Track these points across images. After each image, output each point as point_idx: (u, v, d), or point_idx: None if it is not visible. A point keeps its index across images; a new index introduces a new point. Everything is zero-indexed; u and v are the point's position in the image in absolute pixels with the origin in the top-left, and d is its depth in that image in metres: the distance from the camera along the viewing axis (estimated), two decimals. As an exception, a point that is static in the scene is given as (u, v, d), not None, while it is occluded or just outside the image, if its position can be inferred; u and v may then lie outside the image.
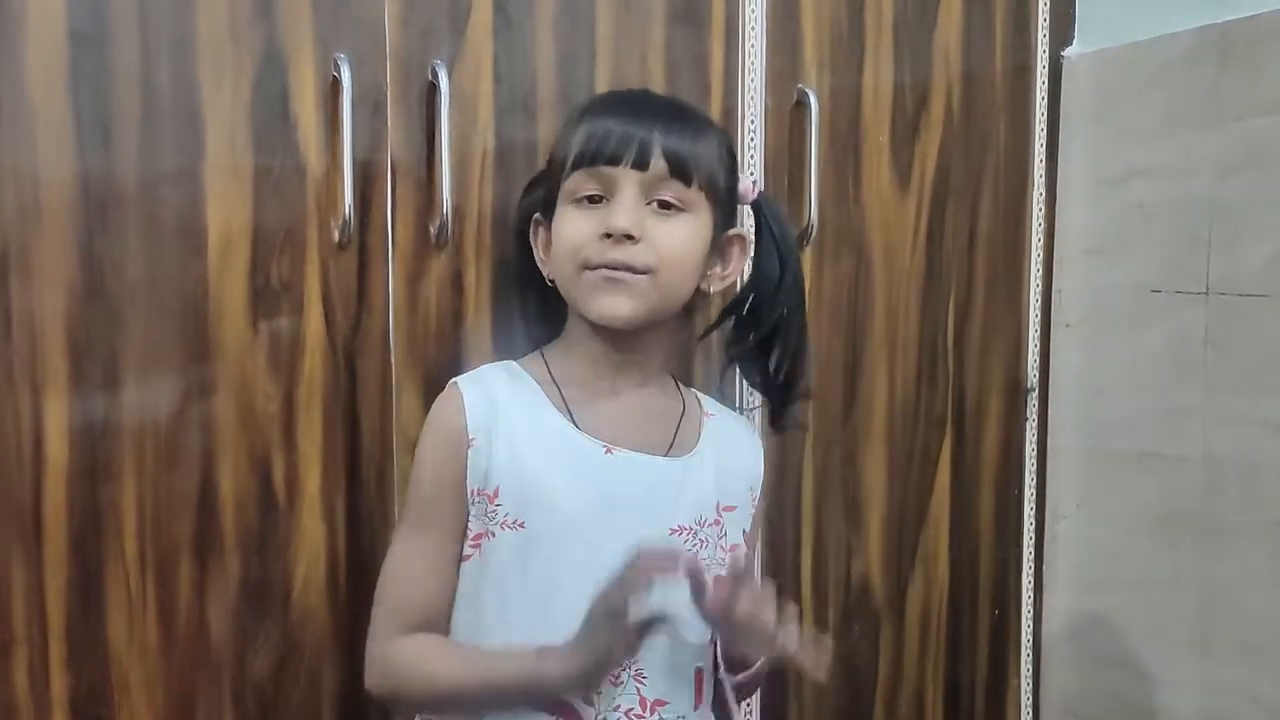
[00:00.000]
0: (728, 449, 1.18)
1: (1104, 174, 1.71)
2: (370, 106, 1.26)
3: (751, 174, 1.50)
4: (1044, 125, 1.74)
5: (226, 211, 1.20)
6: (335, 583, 1.28)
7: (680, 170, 1.08)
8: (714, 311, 1.29)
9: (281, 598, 1.25)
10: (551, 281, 1.15)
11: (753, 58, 1.49)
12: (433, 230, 1.29)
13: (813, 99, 1.51)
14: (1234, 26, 1.53)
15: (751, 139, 1.50)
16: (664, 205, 1.09)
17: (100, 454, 1.15)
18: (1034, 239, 1.76)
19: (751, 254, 1.21)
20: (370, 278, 1.28)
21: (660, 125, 1.09)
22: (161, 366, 1.18)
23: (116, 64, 1.14)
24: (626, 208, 1.07)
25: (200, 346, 1.19)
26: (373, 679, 1.14)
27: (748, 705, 1.56)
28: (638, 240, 1.07)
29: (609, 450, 1.11)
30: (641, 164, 1.07)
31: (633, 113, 1.11)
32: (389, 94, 1.27)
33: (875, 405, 1.64)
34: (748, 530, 1.18)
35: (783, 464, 1.56)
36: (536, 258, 1.17)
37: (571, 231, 1.10)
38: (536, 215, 1.17)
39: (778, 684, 1.59)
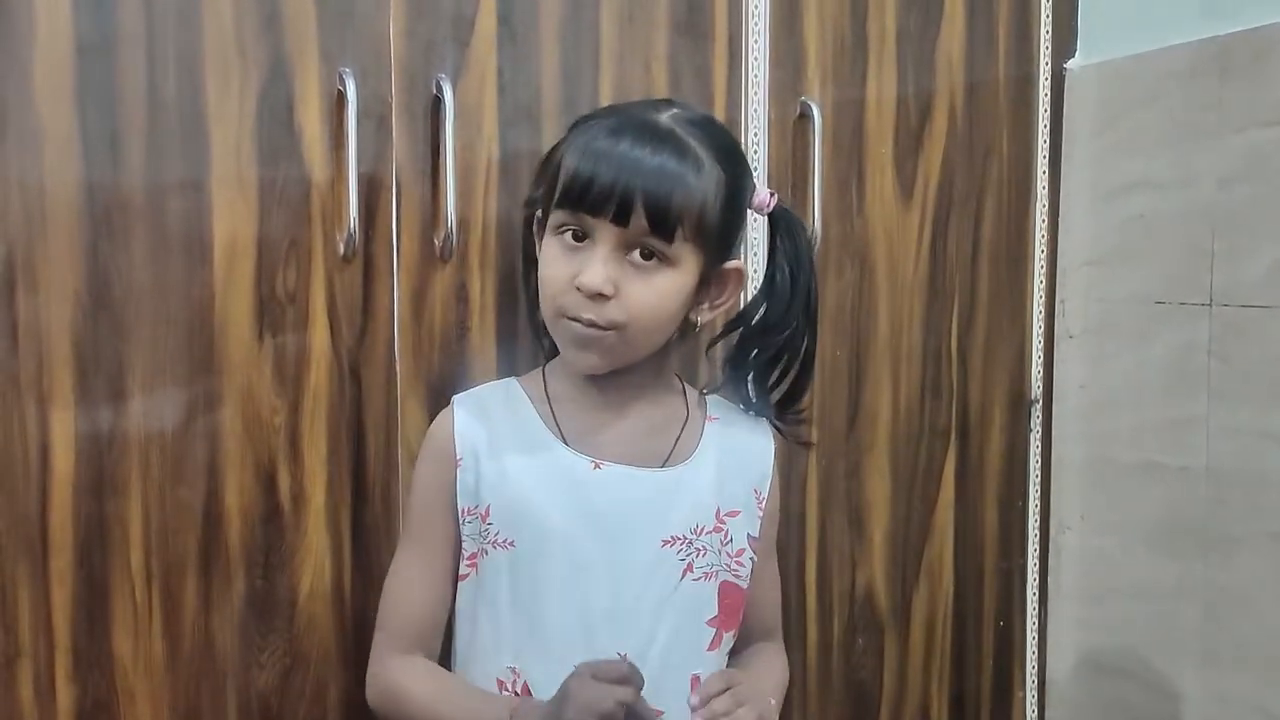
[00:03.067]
0: (730, 452, 1.17)
1: (1106, 185, 1.71)
2: (375, 119, 1.26)
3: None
4: (1046, 137, 1.75)
5: (232, 223, 1.20)
6: (340, 595, 1.28)
7: (661, 227, 1.04)
8: (719, 323, 1.27)
9: (287, 610, 1.25)
10: None
11: (755, 70, 1.50)
12: (437, 243, 1.29)
13: (816, 111, 1.52)
14: (1236, 39, 1.53)
15: (755, 151, 1.50)
16: (646, 254, 1.06)
17: (106, 466, 1.16)
18: (1037, 250, 1.76)
19: (765, 268, 1.18)
20: (375, 290, 1.28)
21: (647, 174, 1.03)
22: (167, 378, 1.18)
23: (123, 76, 1.14)
24: (597, 265, 1.04)
25: (206, 358, 1.19)
26: (371, 695, 1.16)
27: None
28: (609, 298, 1.05)
29: (597, 465, 1.11)
30: (622, 219, 1.04)
31: (622, 154, 1.04)
32: (394, 106, 1.27)
33: (879, 416, 1.64)
34: (755, 535, 1.17)
35: (786, 476, 1.56)
36: (539, 256, 1.15)
37: (550, 273, 1.08)
38: (538, 215, 1.15)
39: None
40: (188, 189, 1.18)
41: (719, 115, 1.47)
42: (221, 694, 1.23)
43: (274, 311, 1.23)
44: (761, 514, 1.18)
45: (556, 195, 1.07)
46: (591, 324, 1.06)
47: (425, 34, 1.29)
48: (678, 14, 1.44)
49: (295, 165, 1.23)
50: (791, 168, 1.54)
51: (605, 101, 1.37)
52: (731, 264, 1.14)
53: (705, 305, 1.14)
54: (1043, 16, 1.73)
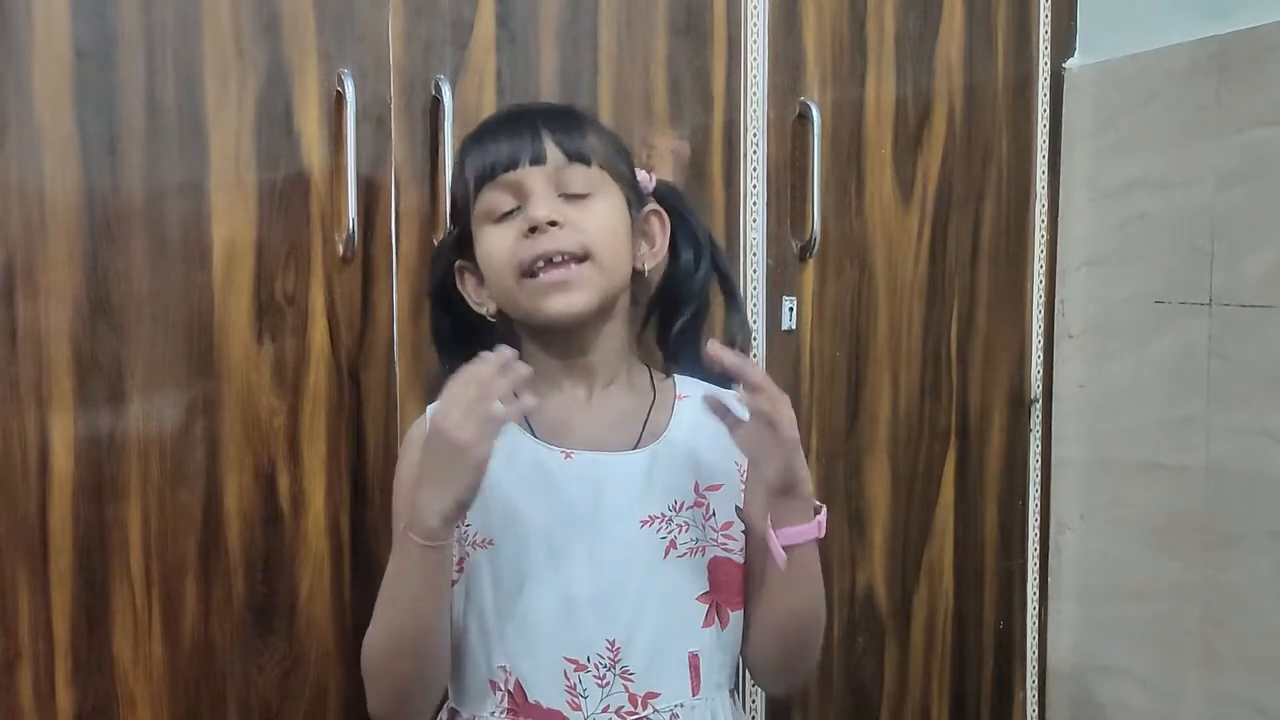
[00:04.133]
0: (704, 427, 1.16)
1: (1106, 185, 1.71)
2: (374, 121, 1.26)
3: (754, 185, 1.51)
4: (1046, 137, 1.75)
5: (231, 226, 1.20)
6: (340, 596, 1.28)
7: (577, 154, 1.10)
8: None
9: (286, 611, 1.25)
10: (493, 317, 1.15)
11: (755, 71, 1.50)
12: (436, 244, 1.29)
13: (815, 112, 1.52)
14: (1234, 38, 1.53)
15: (754, 152, 1.50)
16: (573, 197, 1.10)
17: (106, 469, 1.16)
18: (1036, 250, 1.76)
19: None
20: (374, 291, 1.28)
21: (543, 122, 1.11)
22: (167, 381, 1.18)
23: (122, 80, 1.15)
24: (540, 200, 1.08)
25: (205, 361, 1.20)
26: (369, 697, 1.12)
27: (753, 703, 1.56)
28: (561, 226, 1.08)
29: (568, 455, 1.11)
30: (538, 159, 1.09)
31: (514, 121, 1.13)
32: (393, 108, 1.27)
33: (879, 417, 1.64)
34: (742, 507, 1.17)
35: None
36: (471, 304, 1.16)
37: (498, 246, 1.10)
38: (459, 263, 1.16)
39: (781, 698, 1.58)
40: (187, 192, 1.18)
41: (718, 116, 1.48)
42: (221, 696, 1.23)
43: (273, 314, 1.23)
44: (743, 484, 1.18)
45: (473, 186, 1.11)
46: (558, 259, 1.07)
47: (424, 36, 1.29)
48: (676, 16, 1.44)
49: (294, 167, 1.23)
50: (791, 169, 1.54)
51: (604, 103, 1.38)
52: (650, 207, 1.18)
53: (646, 251, 1.17)
54: (1041, 17, 1.73)
